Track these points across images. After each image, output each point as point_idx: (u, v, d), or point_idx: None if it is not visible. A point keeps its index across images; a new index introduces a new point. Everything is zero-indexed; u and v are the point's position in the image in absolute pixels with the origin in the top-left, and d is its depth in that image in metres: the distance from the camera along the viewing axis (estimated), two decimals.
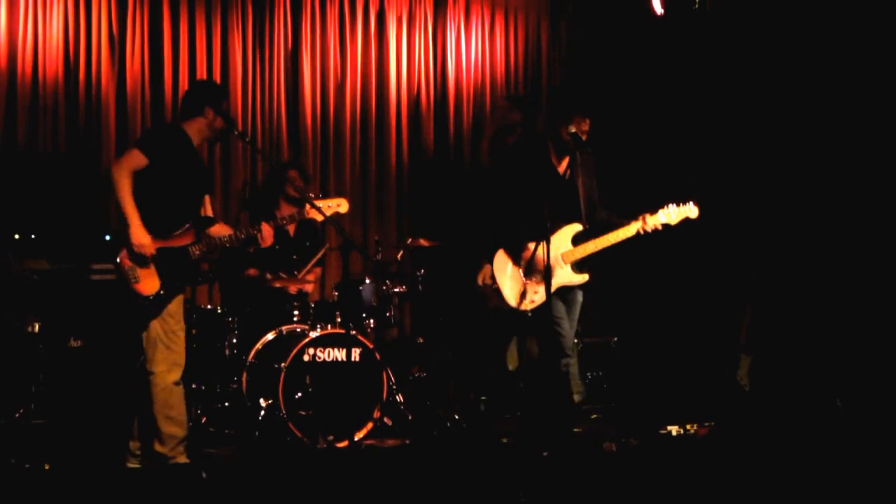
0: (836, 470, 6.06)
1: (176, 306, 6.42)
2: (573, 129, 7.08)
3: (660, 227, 7.11)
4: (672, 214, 7.11)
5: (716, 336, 9.28)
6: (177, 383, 6.38)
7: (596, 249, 7.12)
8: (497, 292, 7.12)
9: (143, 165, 6.30)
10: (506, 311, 7.13)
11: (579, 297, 7.36)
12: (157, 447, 6.34)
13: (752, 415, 7.98)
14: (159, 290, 6.32)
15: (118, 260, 6.29)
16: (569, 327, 7.25)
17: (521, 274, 7.09)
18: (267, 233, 6.71)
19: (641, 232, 7.11)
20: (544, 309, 6.92)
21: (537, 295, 7.02)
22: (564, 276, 7.04)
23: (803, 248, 8.89)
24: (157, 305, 6.34)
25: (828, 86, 8.93)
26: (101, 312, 7.29)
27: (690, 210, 7.14)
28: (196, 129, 6.54)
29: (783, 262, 9.02)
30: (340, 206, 6.93)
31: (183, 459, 6.38)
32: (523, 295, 7.10)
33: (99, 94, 9.14)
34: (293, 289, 8.40)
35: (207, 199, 6.85)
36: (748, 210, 9.34)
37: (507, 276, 7.14)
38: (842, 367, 8.31)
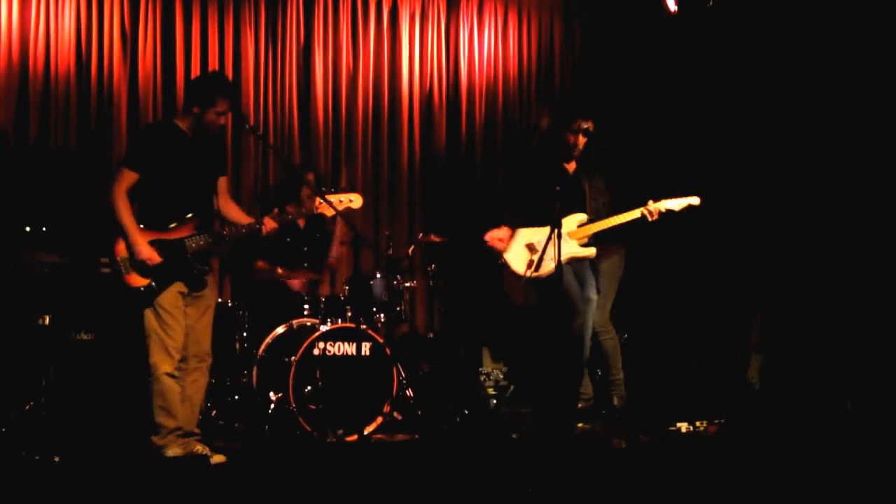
0: (844, 470, 6.04)
1: (172, 299, 6.52)
2: (580, 132, 7.32)
3: (663, 211, 7.30)
4: (675, 201, 7.35)
5: (727, 334, 9.25)
6: (170, 375, 6.49)
7: (599, 228, 7.32)
8: (504, 266, 7.27)
9: (136, 179, 6.48)
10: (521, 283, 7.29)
11: (592, 294, 7.46)
12: (153, 437, 6.50)
13: (762, 413, 7.96)
14: (150, 283, 6.45)
15: (113, 250, 6.45)
16: (581, 295, 7.34)
17: (528, 249, 7.24)
18: (269, 225, 6.74)
19: (646, 213, 7.28)
20: (553, 279, 7.02)
21: (544, 264, 7.11)
22: (571, 248, 7.18)
23: (815, 249, 8.86)
24: (147, 297, 6.45)
25: (841, 85, 8.90)
26: (110, 305, 7.28)
27: (692, 198, 7.39)
28: (188, 125, 6.63)
29: (794, 263, 9.00)
30: (353, 201, 6.94)
31: (175, 450, 6.51)
32: (530, 264, 7.20)
33: (111, 90, 9.15)
34: (298, 284, 8.44)
35: (224, 182, 6.93)
36: (760, 208, 9.31)
37: (512, 253, 7.28)
38: (852, 368, 8.28)
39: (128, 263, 6.42)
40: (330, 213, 6.86)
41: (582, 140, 7.38)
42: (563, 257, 6.97)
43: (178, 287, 6.54)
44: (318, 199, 6.82)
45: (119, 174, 6.51)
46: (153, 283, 6.44)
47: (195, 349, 6.69)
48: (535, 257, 7.16)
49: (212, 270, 6.74)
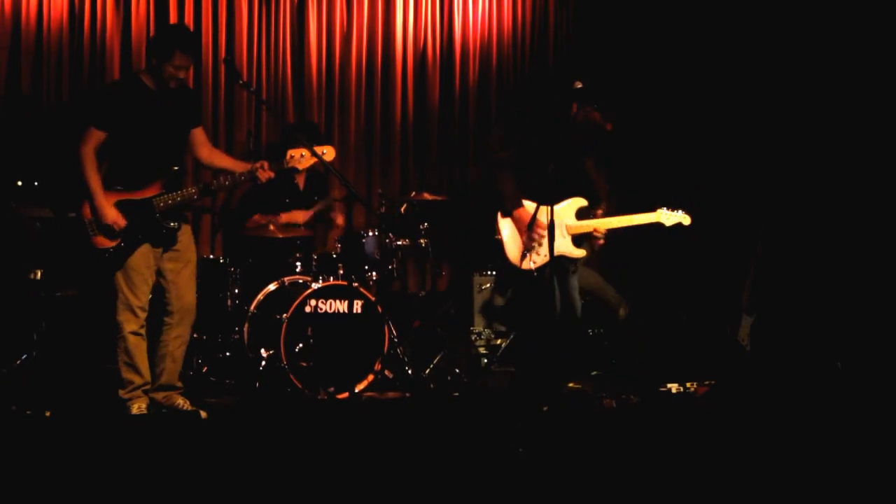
0: (834, 430, 6.07)
1: (140, 258, 6.53)
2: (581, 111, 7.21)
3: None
4: (671, 216, 7.34)
5: (718, 296, 9.26)
6: (134, 333, 6.54)
7: (599, 226, 7.12)
8: (499, 244, 7.16)
9: (105, 137, 6.45)
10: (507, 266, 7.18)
11: (574, 281, 7.42)
12: (120, 392, 6.57)
13: (752, 375, 7.99)
14: (119, 243, 6.46)
15: (81, 212, 6.46)
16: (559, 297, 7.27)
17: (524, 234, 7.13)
18: (265, 174, 6.68)
19: (662, 219, 7.28)
20: (541, 273, 6.99)
21: (538, 256, 7.03)
22: (564, 245, 6.99)
23: (807, 211, 8.87)
24: (116, 258, 6.48)
25: (841, 55, 8.88)
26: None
27: (683, 217, 7.36)
28: (150, 78, 6.59)
29: (787, 224, 9.00)
30: (325, 153, 6.90)
31: (139, 405, 6.55)
32: (524, 255, 7.11)
33: (104, 44, 9.11)
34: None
35: (200, 133, 6.88)
36: (755, 172, 9.31)
37: (511, 232, 7.15)
38: (843, 329, 8.31)
39: (94, 226, 6.43)
40: (302, 165, 6.85)
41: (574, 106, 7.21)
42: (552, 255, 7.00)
43: (147, 246, 6.56)
44: (289, 153, 6.81)
45: (87, 133, 6.45)
46: (121, 244, 6.45)
47: (178, 304, 6.71)
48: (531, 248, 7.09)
49: (180, 228, 6.70)
